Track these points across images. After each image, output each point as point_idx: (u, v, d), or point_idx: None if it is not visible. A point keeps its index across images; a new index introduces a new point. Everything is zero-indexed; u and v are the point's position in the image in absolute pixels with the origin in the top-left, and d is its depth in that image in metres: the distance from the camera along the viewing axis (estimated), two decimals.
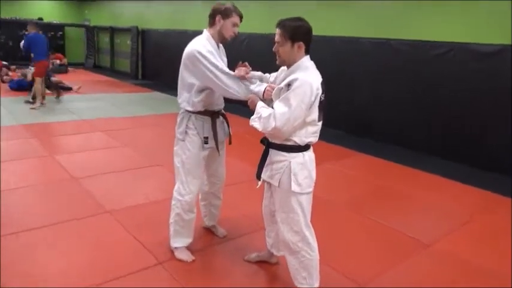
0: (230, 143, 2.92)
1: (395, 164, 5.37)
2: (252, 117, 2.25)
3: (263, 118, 2.15)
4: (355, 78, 6.73)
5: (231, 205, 3.51)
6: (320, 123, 2.27)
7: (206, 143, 2.69)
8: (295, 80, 2.09)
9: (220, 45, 2.71)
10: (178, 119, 2.73)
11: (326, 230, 3.39)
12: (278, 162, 2.26)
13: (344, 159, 5.49)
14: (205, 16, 2.63)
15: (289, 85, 2.10)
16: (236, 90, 2.42)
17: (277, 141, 2.24)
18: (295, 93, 2.07)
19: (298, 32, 2.15)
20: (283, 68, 2.39)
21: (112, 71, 14.75)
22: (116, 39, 14.84)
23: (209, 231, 3.24)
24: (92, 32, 16.28)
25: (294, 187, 2.22)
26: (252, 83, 2.46)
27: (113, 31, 14.74)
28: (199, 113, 2.64)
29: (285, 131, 2.13)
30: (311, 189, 2.33)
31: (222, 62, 2.53)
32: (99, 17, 16.26)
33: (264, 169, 2.35)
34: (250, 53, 8.29)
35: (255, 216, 3.31)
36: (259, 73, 2.60)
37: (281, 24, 2.17)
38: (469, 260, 3.08)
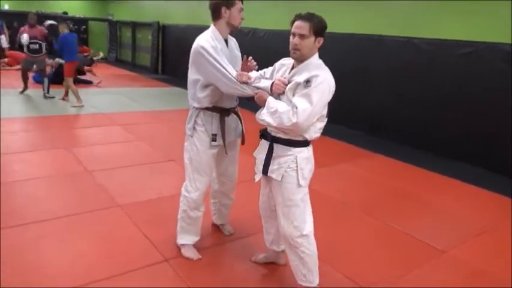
0: (243, 143, 2.86)
1: (413, 166, 5.22)
2: (261, 111, 2.22)
3: (280, 113, 2.10)
4: (374, 77, 6.57)
5: (240, 203, 3.46)
6: (326, 120, 2.27)
7: (214, 140, 2.64)
8: (317, 76, 2.09)
9: (233, 39, 2.66)
10: (188, 115, 2.71)
11: (338, 233, 3.32)
12: (284, 157, 2.25)
13: (360, 160, 5.38)
14: None
15: (308, 81, 2.08)
16: (242, 87, 2.35)
17: (284, 136, 2.23)
18: (317, 90, 2.07)
19: (322, 28, 2.15)
20: (283, 62, 2.38)
21: (133, 65, 14.90)
22: (137, 34, 14.97)
23: (217, 228, 3.21)
24: (114, 26, 16.49)
25: (301, 181, 2.25)
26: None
27: (134, 26, 14.88)
28: (207, 109, 2.60)
29: (304, 127, 2.13)
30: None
31: (226, 59, 2.45)
32: (122, 12, 16.45)
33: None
34: (269, 49, 8.25)
35: None
36: (256, 74, 2.48)
37: (307, 17, 2.12)
38: (484, 270, 2.95)
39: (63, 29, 7.62)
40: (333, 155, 5.37)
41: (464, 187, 4.63)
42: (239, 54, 2.72)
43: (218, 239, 3.10)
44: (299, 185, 2.23)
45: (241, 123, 2.83)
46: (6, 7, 15.35)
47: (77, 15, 16.51)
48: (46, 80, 7.94)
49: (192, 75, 2.58)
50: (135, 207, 3.53)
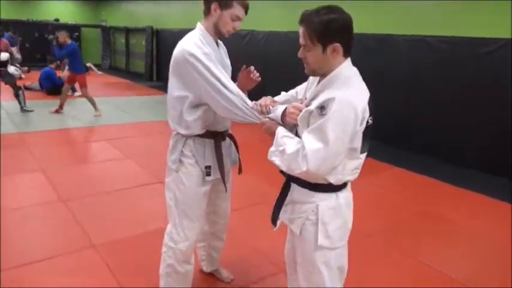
0: (240, 172, 2.27)
1: (442, 183, 4.56)
2: (270, 148, 1.61)
3: (288, 155, 1.51)
4: (388, 80, 5.94)
5: (239, 237, 2.88)
6: (364, 156, 1.61)
7: (208, 174, 2.04)
8: (332, 100, 1.43)
9: (220, 43, 2.07)
10: (171, 143, 2.08)
11: (356, 272, 2.70)
12: (302, 204, 1.63)
13: (377, 175, 4.76)
14: None
15: (322, 108, 1.45)
16: (244, 112, 1.77)
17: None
18: (334, 120, 1.42)
19: (330, 30, 1.47)
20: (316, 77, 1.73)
21: (127, 73, 14.32)
22: (131, 40, 14.39)
23: (209, 276, 2.60)
24: (108, 32, 15.92)
25: (322, 240, 1.60)
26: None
27: (128, 31, 14.30)
28: (197, 135, 2.00)
29: (321, 173, 1.50)
30: (344, 243, 1.69)
31: (222, 69, 1.86)
32: (115, 17, 15.90)
33: (283, 208, 1.72)
34: (269, 54, 7.66)
35: (272, 253, 2.67)
36: (286, 97, 1.89)
37: (305, 19, 1.49)
38: None
39: (66, 39, 7.18)
40: None
41: (504, 207, 3.98)
42: (229, 62, 2.12)
43: None
44: (319, 246, 1.60)
45: (236, 147, 2.24)
46: None
47: (69, 22, 15.96)
48: (21, 93, 7.16)
49: (175, 90, 1.94)
50: (112, 247, 2.93)
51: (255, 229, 3.09)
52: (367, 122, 1.50)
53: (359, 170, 1.62)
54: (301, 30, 1.51)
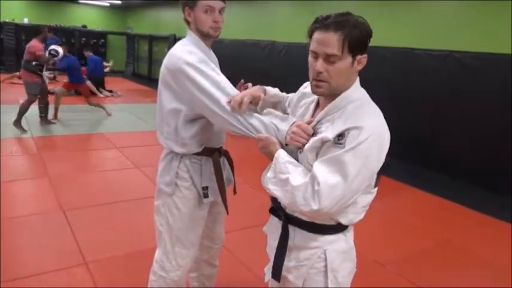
0: (235, 192, 2.08)
1: (468, 210, 4.20)
2: (267, 174, 1.35)
3: (293, 188, 1.24)
4: (409, 97, 5.67)
5: (240, 262, 2.67)
6: (375, 190, 1.37)
7: (206, 196, 1.85)
8: (358, 129, 1.20)
9: (211, 52, 1.89)
10: (163, 163, 1.90)
11: None
12: (305, 250, 1.38)
13: (394, 196, 4.45)
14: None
15: (341, 136, 1.22)
16: (246, 126, 1.49)
17: (305, 218, 1.36)
18: (357, 153, 1.19)
19: (363, 38, 1.25)
20: (305, 90, 1.51)
21: (149, 80, 14.39)
22: (154, 47, 14.52)
23: None
24: (132, 39, 16.11)
25: None
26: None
27: (151, 39, 14.44)
28: (194, 153, 1.82)
29: (332, 213, 1.26)
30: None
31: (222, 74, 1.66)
32: (140, 25, 16.09)
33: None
34: (292, 66, 7.48)
35: None
36: (274, 91, 1.65)
37: (336, 24, 1.21)
38: None
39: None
40: None
41: None
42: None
43: None
44: None
45: (231, 165, 2.04)
46: (26, 21, 15.20)
47: (96, 29, 16.24)
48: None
49: (168, 103, 1.75)
50: (104, 265, 2.77)
51: (260, 251, 2.88)
52: None
53: (368, 207, 1.38)
54: (331, 36, 1.21)
